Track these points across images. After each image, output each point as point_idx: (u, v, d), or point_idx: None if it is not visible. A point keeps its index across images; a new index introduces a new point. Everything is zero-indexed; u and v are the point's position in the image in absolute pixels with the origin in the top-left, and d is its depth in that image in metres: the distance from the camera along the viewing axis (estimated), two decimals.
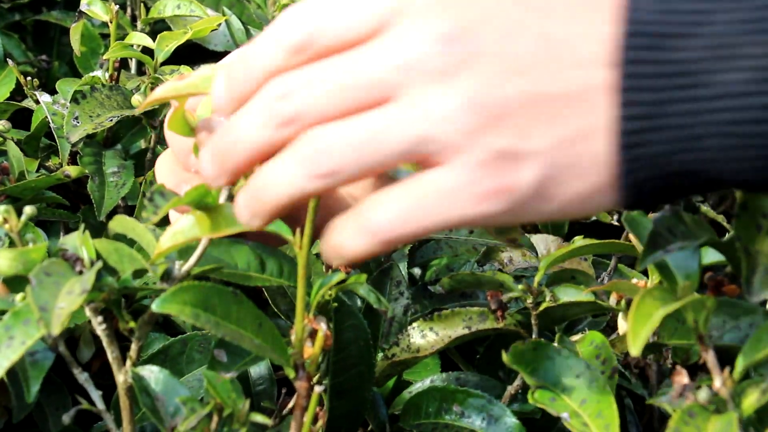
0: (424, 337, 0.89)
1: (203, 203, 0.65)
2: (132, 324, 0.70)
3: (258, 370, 0.92)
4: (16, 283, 0.70)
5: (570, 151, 0.54)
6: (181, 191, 0.63)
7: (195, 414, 0.70)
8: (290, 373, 0.70)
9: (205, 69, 0.68)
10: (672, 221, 0.67)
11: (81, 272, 0.67)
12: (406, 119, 0.54)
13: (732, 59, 0.51)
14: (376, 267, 1.03)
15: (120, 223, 0.72)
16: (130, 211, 1.09)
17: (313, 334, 0.69)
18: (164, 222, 0.69)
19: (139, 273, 0.69)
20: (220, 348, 0.77)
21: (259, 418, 0.70)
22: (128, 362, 0.72)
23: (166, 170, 0.72)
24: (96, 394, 0.75)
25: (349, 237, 0.57)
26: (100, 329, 0.71)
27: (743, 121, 0.52)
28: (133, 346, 0.71)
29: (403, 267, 1.02)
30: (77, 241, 0.69)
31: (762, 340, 0.67)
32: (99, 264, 0.67)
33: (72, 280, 0.65)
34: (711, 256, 0.75)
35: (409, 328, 0.90)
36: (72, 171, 1.01)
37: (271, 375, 0.92)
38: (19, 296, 0.69)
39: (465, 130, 0.54)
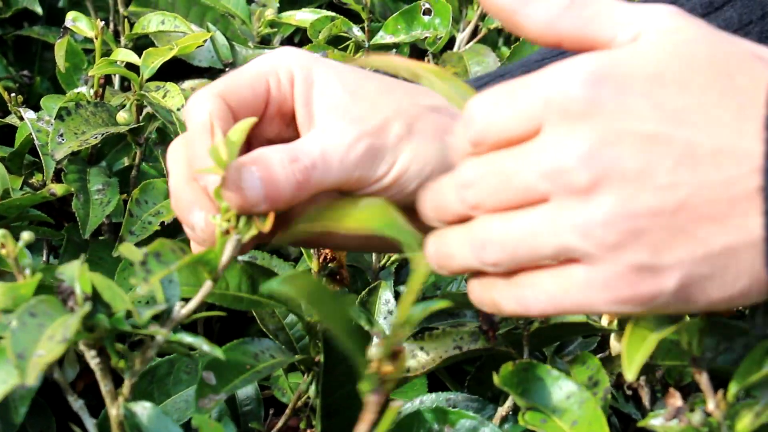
0: (415, 357, 0.89)
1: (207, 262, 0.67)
2: (122, 364, 0.69)
3: (245, 391, 0.92)
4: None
5: (711, 263, 0.56)
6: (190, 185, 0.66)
7: None
8: (370, 386, 0.68)
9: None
10: None
11: (72, 309, 0.65)
12: (554, 227, 0.58)
13: None
14: (363, 286, 1.02)
15: (127, 251, 0.70)
16: (115, 228, 1.08)
17: (395, 354, 0.68)
18: None
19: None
20: (208, 370, 0.76)
21: None
22: (120, 399, 0.71)
23: (178, 158, 0.73)
24: (90, 422, 0.74)
25: (505, 301, 0.63)
26: (93, 363, 0.70)
27: None
28: (126, 383, 0.70)
29: (389, 286, 1.02)
30: (74, 273, 0.67)
31: (755, 362, 0.66)
32: (86, 308, 0.65)
33: (58, 322, 0.64)
34: None
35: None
36: (57, 189, 1.00)
37: (258, 395, 0.92)
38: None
39: (604, 245, 0.57)
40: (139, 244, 0.96)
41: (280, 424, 0.87)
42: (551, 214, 0.58)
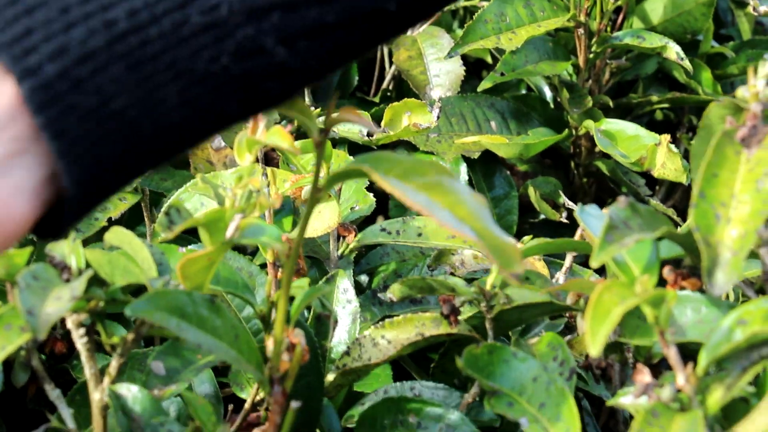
0: (376, 345, 0.86)
1: (217, 226, 0.66)
2: (115, 339, 0.69)
3: (203, 388, 0.89)
4: None
5: None
6: None
7: None
8: (265, 389, 0.68)
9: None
10: (627, 213, 0.65)
11: (68, 280, 0.66)
12: None
13: None
14: (320, 276, 1.00)
15: (116, 235, 0.71)
16: None
17: (289, 348, 0.67)
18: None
19: (129, 287, 0.69)
20: (157, 360, 0.74)
21: None
22: (107, 379, 0.70)
23: None
24: (67, 412, 0.73)
25: None
26: (80, 343, 0.69)
27: None
28: (114, 363, 0.70)
29: (349, 274, 0.99)
30: (66, 249, 0.67)
31: (725, 335, 0.64)
32: (89, 272, 0.66)
33: (60, 287, 0.65)
34: (669, 249, 0.73)
35: (359, 336, 0.87)
36: None
37: (217, 393, 0.89)
38: None
39: None
40: (86, 241, 0.93)
41: (239, 420, 0.84)
42: None
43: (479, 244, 0.55)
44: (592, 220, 0.70)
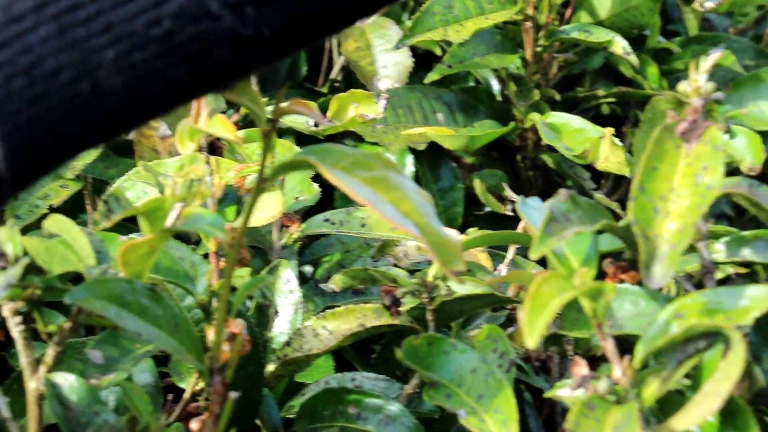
0: (317, 335, 0.86)
1: (156, 214, 0.66)
2: (52, 327, 0.68)
3: (143, 378, 0.88)
4: None
5: None
6: None
7: (108, 426, 0.68)
8: (205, 378, 0.67)
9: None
10: (567, 206, 0.65)
11: (4, 268, 0.65)
12: None
13: None
14: (263, 266, 0.99)
15: (55, 223, 0.70)
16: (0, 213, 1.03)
17: (230, 338, 0.67)
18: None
19: (68, 274, 0.68)
20: (96, 349, 0.74)
21: None
22: (42, 368, 0.69)
23: None
24: (2, 401, 0.73)
25: None
26: (17, 331, 0.68)
27: None
28: (50, 351, 0.69)
29: (292, 264, 0.99)
30: (2, 236, 0.67)
31: (661, 328, 0.64)
32: (26, 259, 0.65)
33: None
34: (610, 242, 0.73)
35: (301, 327, 0.87)
36: None
37: (157, 382, 0.88)
38: None
39: None
40: (26, 229, 0.92)
41: (178, 410, 0.84)
42: None
43: (422, 240, 0.56)
44: (533, 212, 0.70)
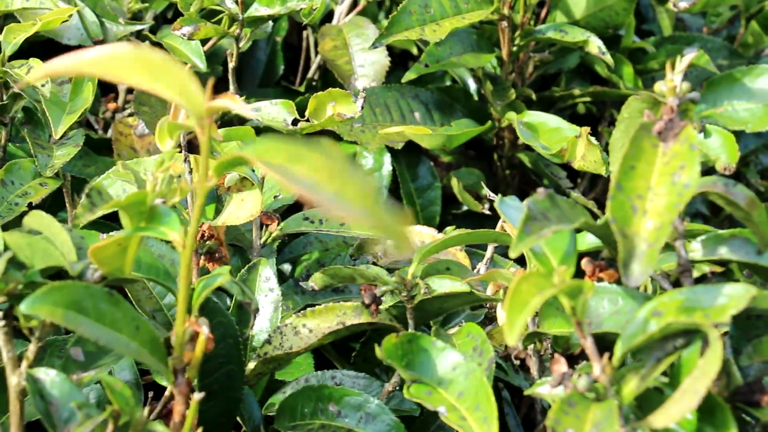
0: (297, 333, 0.86)
1: (138, 209, 0.65)
2: (34, 323, 0.68)
3: (123, 375, 0.88)
4: None
5: None
6: None
7: (90, 420, 0.67)
8: (169, 379, 0.67)
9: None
10: (546, 205, 0.66)
11: None
12: None
13: None
14: (242, 264, 1.00)
15: (36, 219, 0.70)
16: None
17: (193, 337, 0.67)
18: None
19: (48, 270, 0.68)
20: (76, 346, 0.73)
21: (159, 427, 0.68)
22: (24, 363, 0.69)
23: None
24: None
25: None
26: None
27: None
28: (31, 347, 0.69)
29: (271, 263, 0.99)
30: None
31: (640, 326, 0.65)
32: (8, 254, 0.65)
33: None
34: (588, 240, 0.74)
35: (281, 325, 0.87)
36: None
37: (137, 380, 0.88)
38: None
39: None
40: (5, 226, 0.92)
41: (159, 406, 0.84)
42: None
43: (368, 223, 0.55)
44: (511, 211, 0.71)
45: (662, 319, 0.64)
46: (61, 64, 0.63)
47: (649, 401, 0.66)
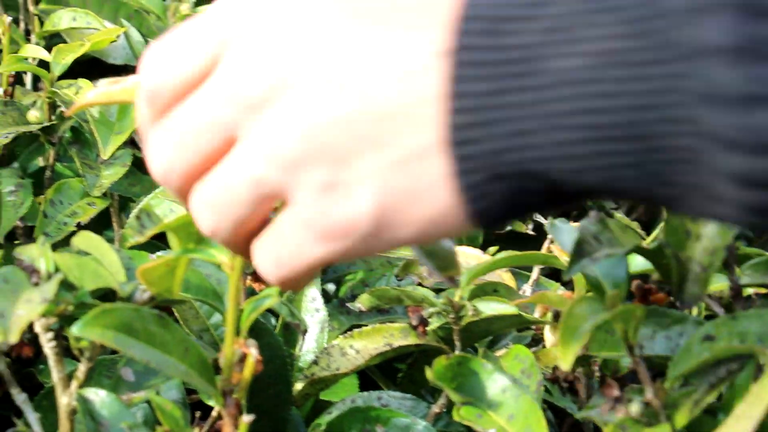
0: (344, 354, 0.86)
1: (186, 230, 0.64)
2: (84, 344, 0.68)
3: (170, 395, 0.88)
4: None
5: (404, 172, 0.47)
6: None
7: None
8: (217, 401, 0.67)
9: (128, 81, 0.66)
10: (597, 228, 0.65)
11: (37, 284, 0.65)
12: (240, 163, 0.49)
13: (568, 43, 0.44)
14: None
15: (84, 240, 0.70)
16: (30, 231, 1.04)
17: (242, 359, 0.67)
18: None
19: (98, 291, 0.68)
20: (127, 366, 0.74)
21: None
22: (74, 383, 0.69)
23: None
24: (34, 417, 0.74)
25: (263, 270, 0.53)
26: (48, 347, 0.69)
27: (576, 111, 0.43)
28: (82, 367, 0.69)
29: (316, 283, 0.99)
30: (35, 253, 0.67)
31: (692, 350, 0.65)
32: (59, 275, 0.66)
33: (30, 290, 0.64)
34: (638, 263, 0.73)
35: (328, 346, 0.87)
36: None
37: (184, 399, 0.89)
38: None
39: (285, 165, 0.48)
40: (54, 246, 0.92)
41: (206, 426, 0.84)
42: (239, 150, 0.50)
43: (418, 251, 0.55)
44: (562, 234, 0.70)
45: (715, 344, 0.64)
46: (89, 98, 0.62)
47: (701, 425, 0.65)
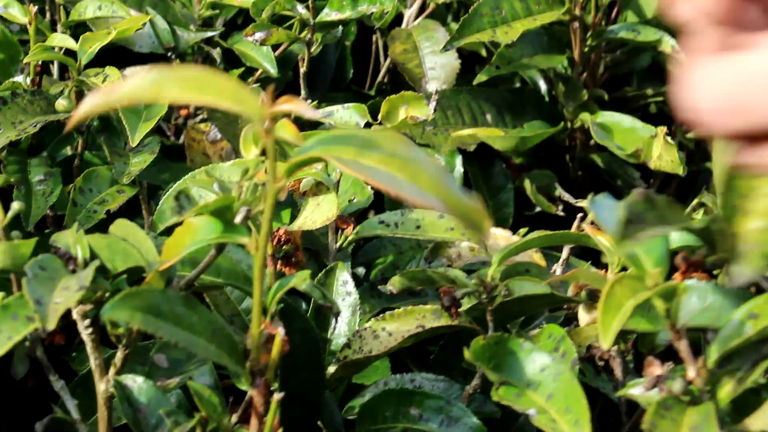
0: (377, 337, 0.86)
1: (224, 213, 0.65)
2: (121, 330, 0.68)
3: (203, 380, 0.88)
4: None
5: None
6: None
7: (179, 427, 0.68)
8: (246, 381, 0.67)
9: (135, 72, 0.65)
10: (644, 206, 0.64)
11: (74, 271, 0.65)
12: None
13: None
14: (318, 268, 0.99)
15: (120, 228, 0.70)
16: (60, 220, 1.04)
17: (269, 339, 0.66)
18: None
19: (134, 276, 0.68)
20: (160, 353, 0.74)
21: None
22: (112, 370, 0.70)
23: None
24: (72, 403, 0.73)
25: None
26: (85, 334, 0.69)
27: None
28: (119, 354, 0.69)
29: (347, 266, 0.99)
30: (70, 239, 0.67)
31: (736, 328, 0.64)
32: (96, 262, 0.65)
33: (67, 277, 0.64)
34: (680, 238, 0.73)
35: (360, 329, 0.87)
36: None
37: (218, 384, 0.88)
38: None
39: None
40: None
41: (240, 411, 0.84)
42: None
43: (446, 211, 0.54)
44: (604, 211, 0.69)
45: (759, 321, 0.63)
46: (93, 101, 0.60)
47: (745, 403, 0.65)
